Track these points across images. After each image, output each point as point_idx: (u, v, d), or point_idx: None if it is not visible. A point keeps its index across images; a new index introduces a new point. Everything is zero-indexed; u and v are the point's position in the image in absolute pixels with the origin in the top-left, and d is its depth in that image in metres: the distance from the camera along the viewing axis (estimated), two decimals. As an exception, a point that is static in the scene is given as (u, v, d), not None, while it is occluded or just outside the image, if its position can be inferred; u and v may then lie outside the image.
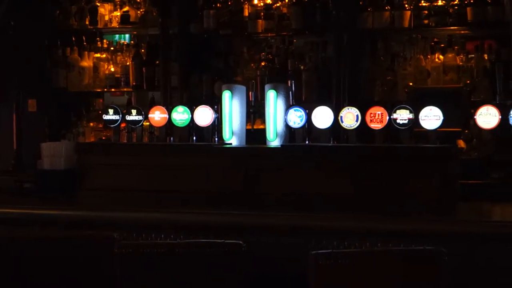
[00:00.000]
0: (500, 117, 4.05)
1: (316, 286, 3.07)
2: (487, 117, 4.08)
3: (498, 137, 5.77)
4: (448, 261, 3.18)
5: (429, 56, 6.10)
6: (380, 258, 3.12)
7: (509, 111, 4.03)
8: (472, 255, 3.57)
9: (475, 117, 4.10)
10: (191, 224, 3.89)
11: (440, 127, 4.25)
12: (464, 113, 5.47)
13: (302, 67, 6.25)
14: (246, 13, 6.41)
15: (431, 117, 4.19)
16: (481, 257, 3.57)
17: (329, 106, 4.39)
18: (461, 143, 5.86)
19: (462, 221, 3.80)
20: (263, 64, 6.41)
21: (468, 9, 5.88)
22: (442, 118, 4.18)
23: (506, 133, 5.40)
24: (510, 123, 4.02)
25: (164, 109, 4.59)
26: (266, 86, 4.43)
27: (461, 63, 6.01)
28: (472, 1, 5.87)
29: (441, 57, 6.05)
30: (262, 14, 6.34)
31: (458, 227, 3.69)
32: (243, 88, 4.55)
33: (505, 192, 5.36)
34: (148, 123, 4.74)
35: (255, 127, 4.71)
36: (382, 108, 4.26)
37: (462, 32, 6.11)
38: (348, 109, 4.29)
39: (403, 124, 4.21)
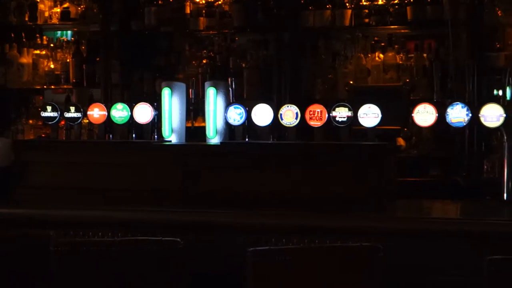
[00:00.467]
0: (437, 115, 4.09)
1: (253, 283, 3.08)
2: (424, 115, 4.12)
3: (437, 135, 5.87)
4: (384, 257, 3.21)
5: (369, 55, 6.16)
6: (316, 254, 3.14)
7: (446, 109, 4.07)
8: (409, 251, 3.60)
9: (412, 115, 4.13)
10: (129, 222, 3.85)
11: (379, 125, 4.27)
12: (404, 111, 5.53)
13: (243, 65, 6.26)
14: (187, 10, 6.40)
15: (370, 115, 4.21)
16: (418, 253, 3.61)
17: (270, 104, 4.39)
18: (401, 141, 5.93)
19: (399, 218, 3.84)
20: (204, 61, 6.41)
21: (408, 8, 5.95)
22: (380, 116, 4.20)
23: (445, 131, 5.52)
24: (447, 120, 4.07)
25: (103, 106, 4.54)
26: (206, 84, 4.42)
27: (401, 62, 6.08)
28: (411, 0, 5.94)
29: (381, 56, 6.11)
30: (203, 11, 6.33)
31: (395, 224, 3.72)
32: (183, 85, 4.53)
33: (443, 189, 5.45)
34: (87, 121, 4.69)
35: (196, 124, 4.69)
36: (321, 106, 4.27)
37: (402, 31, 6.18)
38: (288, 106, 4.30)
39: (342, 122, 4.23)
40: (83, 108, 4.56)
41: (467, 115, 4.05)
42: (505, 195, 4.06)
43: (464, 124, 4.07)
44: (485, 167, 5.45)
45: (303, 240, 3.59)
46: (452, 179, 5.53)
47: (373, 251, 3.18)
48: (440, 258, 3.58)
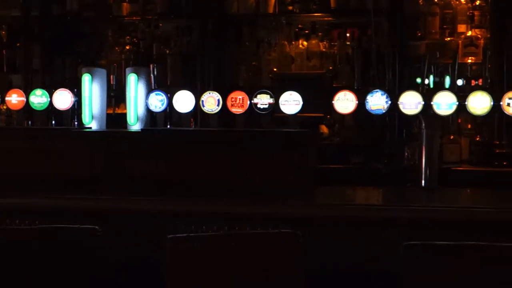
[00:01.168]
0: (357, 102, 4.12)
1: (171, 270, 3.06)
2: (345, 102, 4.16)
3: (359, 123, 5.92)
4: (303, 243, 3.22)
5: (293, 43, 6.17)
6: (235, 241, 3.13)
7: (366, 97, 4.11)
8: (330, 237, 3.63)
9: (333, 102, 4.17)
10: (47, 210, 3.79)
11: (301, 112, 4.30)
12: (326, 99, 5.55)
13: (167, 52, 6.20)
14: (110, -5, 6.32)
15: (291, 102, 4.23)
16: (339, 239, 3.63)
17: (193, 91, 4.37)
18: (324, 128, 5.97)
19: (319, 204, 3.85)
20: (128, 48, 6.33)
21: (332, -4, 5.98)
22: (301, 103, 4.23)
23: (367, 118, 5.57)
24: (367, 108, 4.10)
25: (21, 92, 4.46)
26: (127, 70, 4.37)
27: (324, 50, 6.11)
28: (335, -12, 5.98)
29: (305, 43, 6.13)
30: (127, -3, 6.26)
31: (315, 210, 3.74)
32: (104, 71, 4.47)
33: (365, 176, 5.51)
34: (5, 107, 4.60)
35: (119, 111, 4.65)
36: (243, 93, 4.27)
37: (326, 19, 6.20)
38: (209, 93, 4.28)
39: (264, 109, 4.24)
40: (1, 94, 4.47)
41: (386, 102, 4.10)
42: (423, 181, 4.12)
43: (384, 111, 4.11)
44: (406, 154, 5.50)
45: (224, 227, 3.58)
46: (373, 166, 5.58)
47: (292, 238, 3.18)
48: (361, 244, 3.61)
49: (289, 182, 3.86)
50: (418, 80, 4.54)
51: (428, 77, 5.76)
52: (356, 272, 3.60)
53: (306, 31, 6.16)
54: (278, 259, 3.20)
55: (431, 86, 5.75)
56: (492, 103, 4.01)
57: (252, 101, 4.25)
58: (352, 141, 5.91)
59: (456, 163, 5.53)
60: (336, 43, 6.11)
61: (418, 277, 2.99)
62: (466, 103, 4.03)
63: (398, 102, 4.07)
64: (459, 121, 5.74)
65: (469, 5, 5.83)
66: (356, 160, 5.71)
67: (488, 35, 5.68)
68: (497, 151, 5.44)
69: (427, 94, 4.08)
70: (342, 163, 5.67)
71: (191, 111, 4.29)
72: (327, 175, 4.62)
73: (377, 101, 4.10)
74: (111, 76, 4.59)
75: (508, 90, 4.10)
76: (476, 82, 5.38)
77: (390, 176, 5.39)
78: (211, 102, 4.26)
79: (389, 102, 4.09)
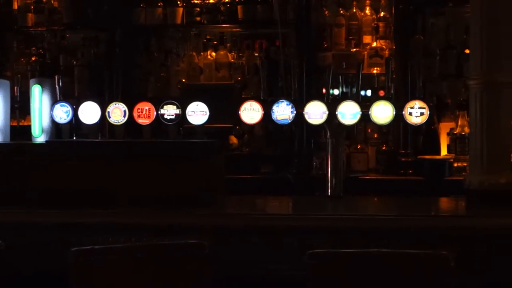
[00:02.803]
0: (263, 112, 4.17)
1: (75, 283, 3.03)
2: (251, 112, 4.20)
3: (268, 133, 5.97)
4: (210, 253, 3.23)
5: (202, 53, 6.19)
6: (140, 253, 3.12)
7: (272, 107, 4.16)
8: (238, 246, 3.65)
9: (239, 112, 4.20)
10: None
11: (209, 122, 4.33)
12: (235, 110, 5.59)
13: (74, 63, 6.14)
14: (15, 6, 6.23)
15: (198, 113, 4.25)
16: (246, 248, 3.66)
17: (101, 102, 4.35)
18: (233, 139, 5.99)
19: (227, 214, 3.87)
20: (34, 59, 6.24)
21: (239, 7, 6.01)
22: (208, 113, 4.26)
23: (277, 129, 5.63)
24: (273, 118, 4.15)
25: None
26: (31, 81, 4.32)
27: (232, 61, 6.15)
28: (242, 0, 6.02)
29: (213, 54, 6.16)
30: (32, 7, 6.17)
31: (223, 220, 3.76)
32: (7, 82, 4.40)
33: (274, 186, 5.55)
34: None
35: (25, 123, 4.59)
36: (149, 104, 4.27)
37: (234, 30, 6.24)
38: (115, 104, 4.27)
39: (171, 120, 4.25)
40: None
41: (292, 112, 4.16)
42: (329, 190, 4.19)
43: (289, 121, 4.17)
44: (314, 163, 5.59)
45: (131, 239, 3.57)
46: (282, 176, 5.64)
47: (198, 248, 3.20)
48: (269, 253, 3.64)
49: (196, 193, 3.88)
50: (324, 90, 4.61)
51: (334, 88, 5.89)
52: (264, 281, 3.63)
53: (215, 42, 6.18)
54: (184, 269, 3.20)
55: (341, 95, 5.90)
56: (394, 112, 4.11)
57: (159, 112, 4.26)
58: (262, 151, 5.94)
59: (364, 172, 5.63)
60: (244, 54, 6.15)
61: (322, 285, 3.03)
62: (369, 112, 4.11)
63: (304, 112, 4.13)
64: (369, 130, 5.85)
65: (374, 16, 5.95)
66: (265, 170, 5.76)
67: (393, 46, 5.81)
68: (403, 159, 5.56)
69: (332, 104, 4.15)
70: (252, 173, 5.71)
71: (97, 123, 4.27)
72: (236, 185, 4.66)
73: (282, 111, 4.16)
74: (15, 88, 4.52)
75: (412, 99, 4.22)
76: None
77: (299, 186, 5.45)
78: (117, 113, 4.25)
79: (295, 112, 4.15)
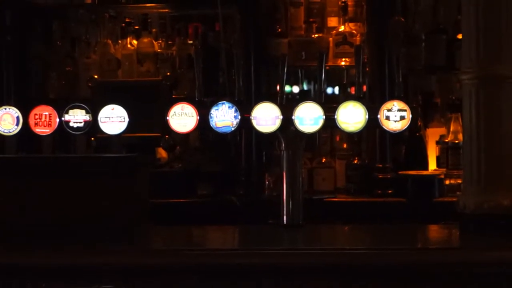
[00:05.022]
0: (198, 117, 4.16)
1: None
2: (183, 118, 4.19)
3: (208, 144, 5.98)
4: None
5: (119, 42, 6.18)
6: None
7: (210, 110, 4.16)
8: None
9: (167, 118, 4.19)
10: None
11: (129, 131, 4.32)
12: (163, 114, 5.59)
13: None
14: None
15: (114, 119, 4.24)
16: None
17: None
18: (162, 152, 5.99)
19: (150, 251, 3.85)
20: None
21: (167, -20, 6.04)
22: (128, 120, 4.24)
23: (219, 139, 5.64)
24: (211, 124, 4.15)
25: None
26: None
27: (160, 50, 6.16)
28: (170, -29, 6.04)
29: (134, 42, 6.15)
30: None
31: (144, 259, 3.74)
32: None
33: (215, 211, 5.56)
34: None
35: None
36: (50, 108, 4.24)
37: (161, 10, 6.25)
38: (5, 109, 4.24)
39: (78, 128, 4.23)
40: None
41: (235, 117, 4.16)
42: (284, 217, 4.20)
43: (232, 128, 4.17)
44: (267, 182, 5.61)
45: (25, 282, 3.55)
46: (226, 199, 5.65)
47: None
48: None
49: (111, 223, 3.85)
50: (278, 88, 4.63)
51: (291, 85, 5.93)
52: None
53: (136, 27, 6.18)
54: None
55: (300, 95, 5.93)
56: (367, 116, 4.13)
57: (63, 119, 4.23)
58: (199, 167, 5.95)
59: (330, 193, 5.67)
60: (175, 42, 6.15)
61: None
62: (335, 116, 4.13)
63: (251, 117, 4.14)
64: (338, 139, 5.89)
65: (341, -7, 6.01)
66: (204, 191, 5.76)
67: (365, 31, 5.86)
68: (380, 176, 5.60)
69: (287, 107, 4.16)
70: (186, 196, 5.72)
71: (-20, 133, 4.23)
72: (166, 211, 4.66)
73: (223, 116, 4.16)
74: None
75: (390, 99, 4.23)
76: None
77: (248, 211, 5.47)
78: (8, 120, 4.22)
79: (239, 116, 4.15)
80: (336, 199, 5.60)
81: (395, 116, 4.14)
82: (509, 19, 3.94)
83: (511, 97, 3.95)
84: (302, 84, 6.21)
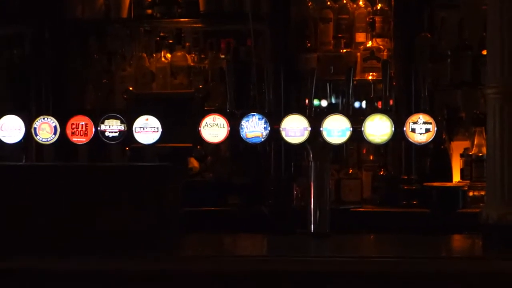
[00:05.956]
0: (229, 128, 4.18)
1: None
2: (214, 128, 4.21)
3: (238, 155, 5.99)
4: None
5: (154, 55, 6.21)
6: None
7: (240, 122, 4.17)
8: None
9: (199, 128, 4.21)
10: None
11: (162, 141, 4.34)
12: (195, 125, 5.60)
13: (-8, 66, 6.16)
14: None
15: (148, 129, 4.26)
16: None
17: (23, 116, 4.34)
18: (194, 162, 6.00)
19: (183, 258, 3.87)
20: None
21: (201, -4, 6.06)
22: (161, 130, 4.27)
23: (249, 150, 5.64)
24: (241, 135, 4.16)
25: None
26: None
27: (192, 64, 6.18)
28: (205, -12, 6.06)
29: (168, 56, 6.18)
30: None
31: (178, 265, 3.76)
32: None
33: (245, 220, 5.56)
34: None
35: None
36: (86, 118, 4.28)
37: (194, 25, 6.26)
38: (43, 119, 4.27)
39: (113, 138, 4.26)
40: None
41: (265, 128, 4.17)
42: (312, 226, 4.20)
43: (262, 139, 4.19)
44: (295, 192, 5.61)
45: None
46: (256, 209, 5.65)
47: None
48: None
49: (145, 231, 3.86)
50: (307, 101, 4.64)
51: (320, 98, 5.93)
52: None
53: (170, 41, 6.20)
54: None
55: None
56: (393, 128, 4.14)
57: (99, 128, 4.26)
58: (230, 177, 5.96)
59: (356, 203, 5.66)
60: (207, 56, 6.16)
61: None
62: (362, 129, 4.14)
63: (280, 128, 4.15)
64: (364, 151, 5.89)
65: (369, 9, 6.01)
66: (235, 201, 5.77)
67: (393, 47, 5.85)
68: (405, 187, 5.59)
69: (316, 119, 4.17)
70: (217, 204, 5.72)
71: (20, 141, 4.26)
72: (197, 220, 4.66)
73: (254, 127, 4.17)
74: None
75: (415, 113, 4.24)
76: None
77: (276, 221, 5.46)
78: (46, 129, 4.25)
79: (269, 128, 4.16)
80: (362, 209, 5.59)
81: (421, 129, 4.14)
82: (533, 36, 3.94)
83: (534, 111, 3.96)
84: (330, 97, 6.19)
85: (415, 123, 4.15)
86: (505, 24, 3.93)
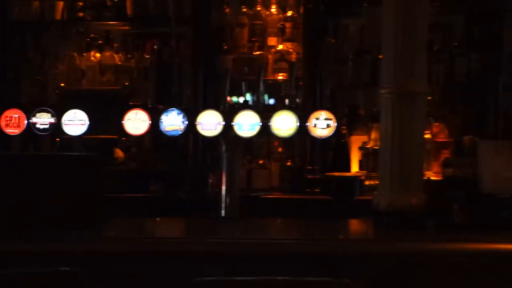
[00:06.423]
0: (150, 122, 4.18)
1: None
2: (137, 122, 4.20)
3: (159, 146, 5.98)
4: (84, 282, 3.22)
5: (84, 54, 6.16)
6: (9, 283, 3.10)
7: (160, 116, 4.17)
8: (116, 274, 3.64)
9: (123, 122, 4.20)
10: None
11: (90, 133, 4.32)
12: (120, 119, 5.58)
13: None
14: None
15: (76, 122, 4.24)
16: (127, 276, 3.65)
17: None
18: (119, 152, 5.98)
19: (106, 238, 3.85)
20: None
21: (128, 2, 6.04)
22: (88, 123, 4.24)
23: (169, 141, 5.65)
24: (161, 128, 4.17)
25: None
26: None
27: (120, 63, 6.14)
28: (130, -6, 6.04)
29: (97, 55, 6.14)
30: None
31: (101, 245, 3.74)
32: None
33: (166, 205, 5.56)
34: None
35: None
36: (19, 111, 4.24)
37: (122, 28, 6.24)
38: (-21, 111, 4.23)
39: (44, 129, 4.22)
40: None
41: (183, 122, 4.17)
42: (223, 211, 4.22)
43: (180, 132, 4.19)
44: (210, 181, 5.62)
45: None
46: (175, 195, 5.65)
47: (70, 277, 3.18)
48: (155, 280, 3.65)
49: (73, 215, 3.84)
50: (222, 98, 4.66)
51: (237, 95, 5.95)
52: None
53: (100, 42, 6.16)
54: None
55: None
56: (298, 124, 4.17)
57: (31, 121, 4.22)
58: (152, 166, 5.95)
59: (266, 191, 5.69)
60: (133, 56, 6.14)
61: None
62: (270, 123, 4.17)
63: (196, 122, 4.16)
64: (276, 144, 5.92)
65: (281, 16, 6.03)
66: (155, 187, 5.76)
67: (301, 50, 5.90)
68: (309, 176, 5.65)
69: (229, 114, 4.19)
70: (140, 191, 5.70)
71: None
72: (122, 205, 4.65)
73: (172, 121, 4.17)
74: None
75: (322, 109, 4.28)
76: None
77: (193, 206, 5.48)
78: (-19, 121, 4.20)
79: (186, 122, 4.17)
80: (271, 196, 5.61)
81: (322, 124, 4.19)
82: (421, 44, 4.01)
83: (422, 110, 4.02)
84: (245, 95, 6.21)
85: (317, 119, 4.19)
86: (398, 33, 3.99)
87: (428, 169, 5.51)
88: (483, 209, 3.90)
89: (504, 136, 5.38)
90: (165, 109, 4.22)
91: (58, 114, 4.26)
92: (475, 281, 3.55)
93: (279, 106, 5.85)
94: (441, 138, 5.70)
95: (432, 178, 5.29)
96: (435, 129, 5.69)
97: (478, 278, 3.55)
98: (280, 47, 5.99)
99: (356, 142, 5.74)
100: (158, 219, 4.65)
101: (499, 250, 3.61)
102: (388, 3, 4.07)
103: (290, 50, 5.96)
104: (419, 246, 3.65)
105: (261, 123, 4.17)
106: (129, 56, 6.16)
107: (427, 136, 5.38)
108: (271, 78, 5.94)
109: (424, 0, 4.03)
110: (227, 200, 4.20)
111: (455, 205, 3.89)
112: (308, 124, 4.19)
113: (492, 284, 3.56)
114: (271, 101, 6.09)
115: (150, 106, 4.38)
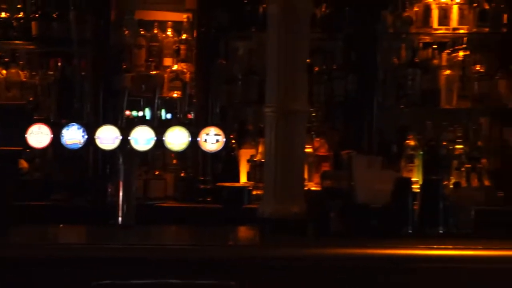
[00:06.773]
0: (52, 136, 4.16)
1: None
2: (39, 135, 4.18)
3: (62, 158, 5.92)
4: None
5: (-9, 71, 6.08)
6: None
7: (62, 130, 4.16)
8: (23, 278, 3.61)
9: (26, 135, 4.17)
10: None
11: (-5, 146, 4.26)
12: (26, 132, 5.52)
13: None
14: None
15: (-18, 135, 4.18)
16: (29, 280, 3.63)
17: None
18: (24, 163, 5.90)
19: (12, 245, 3.82)
20: None
21: (33, 23, 5.96)
22: (-6, 136, 4.20)
23: (71, 153, 5.59)
24: (62, 142, 4.15)
25: None
26: None
27: (25, 79, 6.07)
28: (37, 16, 5.97)
29: (4, 72, 6.06)
30: None
31: (7, 251, 3.70)
32: None
33: (68, 213, 5.51)
34: None
35: None
36: None
37: (27, 47, 6.17)
38: None
39: (-50, 142, 4.15)
40: None
41: (83, 136, 4.17)
42: (120, 219, 4.22)
43: (80, 145, 4.18)
44: (109, 190, 5.60)
45: None
46: (76, 203, 5.61)
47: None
48: (54, 283, 3.63)
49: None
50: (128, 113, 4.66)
51: (137, 111, 5.95)
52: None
53: (6, 59, 6.09)
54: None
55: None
56: (190, 138, 4.21)
57: None
58: (55, 176, 5.88)
59: (161, 199, 5.70)
60: (38, 73, 6.08)
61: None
62: (164, 138, 4.19)
63: (95, 137, 4.16)
64: (172, 155, 5.93)
65: (176, 38, 6.07)
66: (58, 196, 5.70)
67: (194, 70, 5.94)
68: (201, 186, 5.68)
69: (126, 129, 4.20)
70: (43, 200, 5.64)
71: None
72: (26, 213, 4.59)
73: (73, 135, 4.16)
74: None
75: (213, 125, 4.33)
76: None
77: (94, 214, 5.43)
78: None
79: (86, 136, 4.16)
80: (166, 205, 5.62)
81: (212, 139, 4.23)
82: (302, 67, 4.10)
83: (302, 126, 4.12)
84: (144, 110, 6.21)
85: (207, 134, 4.23)
86: (280, 57, 4.07)
87: (309, 181, 5.61)
88: (357, 218, 4.01)
89: (377, 151, 5.53)
90: (66, 124, 4.21)
91: (-36, 129, 4.19)
92: (347, 281, 3.65)
93: (174, 121, 5.87)
94: (322, 152, 5.81)
95: (313, 188, 5.44)
96: (316, 144, 5.79)
97: (351, 278, 3.65)
98: (175, 67, 6.01)
99: (245, 155, 5.81)
100: (60, 226, 4.61)
101: (369, 254, 3.72)
102: (272, 29, 4.16)
103: (184, 70, 5.99)
104: (300, 251, 3.74)
105: (156, 138, 4.19)
106: (33, 73, 6.09)
107: (308, 150, 5.49)
108: (167, 95, 5.95)
109: (304, 27, 4.13)
110: (124, 208, 4.21)
111: (332, 214, 3.99)
112: (199, 139, 4.23)
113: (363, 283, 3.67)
114: (168, 116, 6.11)
115: (52, 120, 4.35)
